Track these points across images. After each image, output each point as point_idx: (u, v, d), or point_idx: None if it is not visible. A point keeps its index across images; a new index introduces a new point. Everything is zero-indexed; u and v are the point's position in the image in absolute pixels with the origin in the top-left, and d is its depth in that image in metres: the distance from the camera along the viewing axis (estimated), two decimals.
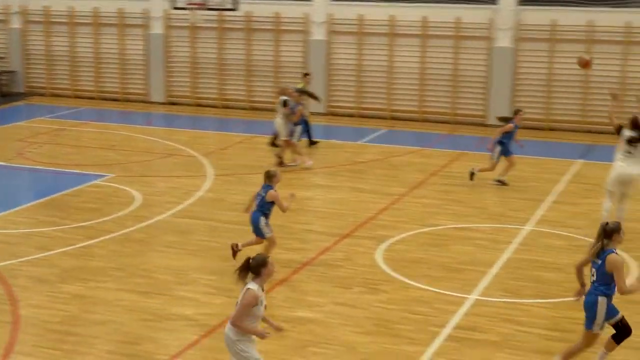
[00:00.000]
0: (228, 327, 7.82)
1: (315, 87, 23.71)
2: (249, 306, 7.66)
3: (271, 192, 12.02)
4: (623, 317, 8.93)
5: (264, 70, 26.90)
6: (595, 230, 14.03)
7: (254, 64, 26.99)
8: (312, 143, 21.08)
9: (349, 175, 18.34)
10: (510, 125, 17.10)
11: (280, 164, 18.63)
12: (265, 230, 12.08)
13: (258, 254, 7.94)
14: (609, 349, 9.08)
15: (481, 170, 17.37)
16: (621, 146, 14.03)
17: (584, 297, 8.91)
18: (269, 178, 12.13)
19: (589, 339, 8.90)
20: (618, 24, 23.46)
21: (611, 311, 8.80)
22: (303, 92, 20.81)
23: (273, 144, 20.55)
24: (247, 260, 7.83)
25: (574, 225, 14.72)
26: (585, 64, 16.01)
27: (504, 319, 10.51)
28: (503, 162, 17.33)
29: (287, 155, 19.11)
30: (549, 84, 24.36)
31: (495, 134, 17.30)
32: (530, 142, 20.91)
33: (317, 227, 14.35)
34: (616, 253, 8.58)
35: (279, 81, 26.32)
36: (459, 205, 16.01)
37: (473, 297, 11.28)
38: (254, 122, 24.92)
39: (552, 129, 23.44)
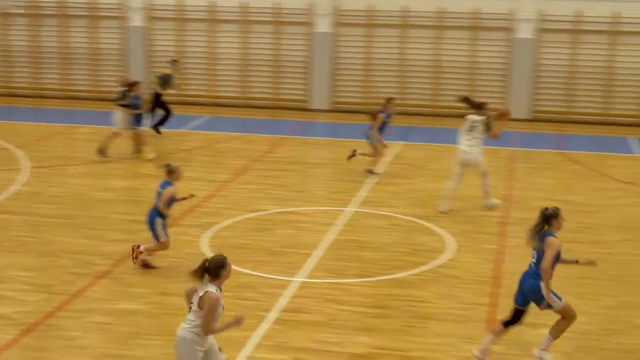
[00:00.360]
0: (191, 336, 7.36)
1: (136, 75, 23.30)
2: (215, 310, 7.31)
3: (170, 188, 11.33)
4: None
5: (81, 58, 26.11)
6: (414, 209, 14.79)
7: (71, 51, 26.14)
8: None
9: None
10: (382, 115, 17.26)
11: (102, 153, 18.16)
12: (160, 232, 11.46)
13: (215, 255, 7.54)
14: (496, 333, 8.92)
15: (373, 161, 17.33)
16: (464, 128, 14.68)
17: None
18: (169, 173, 11.42)
19: (565, 313, 8.70)
20: (431, 8, 24.34)
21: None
22: (165, 79, 20.57)
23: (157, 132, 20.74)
24: (204, 262, 7.44)
25: (393, 204, 15.19)
26: (503, 115, 15.04)
27: (328, 299, 10.71)
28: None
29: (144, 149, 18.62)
30: (367, 68, 24.99)
31: (375, 123, 17.24)
32: (349, 126, 21.37)
33: (140, 217, 14.02)
34: (555, 237, 8.50)
35: (97, 69, 25.68)
36: (283, 189, 16.16)
37: (298, 279, 11.42)
38: (73, 112, 24.13)
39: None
